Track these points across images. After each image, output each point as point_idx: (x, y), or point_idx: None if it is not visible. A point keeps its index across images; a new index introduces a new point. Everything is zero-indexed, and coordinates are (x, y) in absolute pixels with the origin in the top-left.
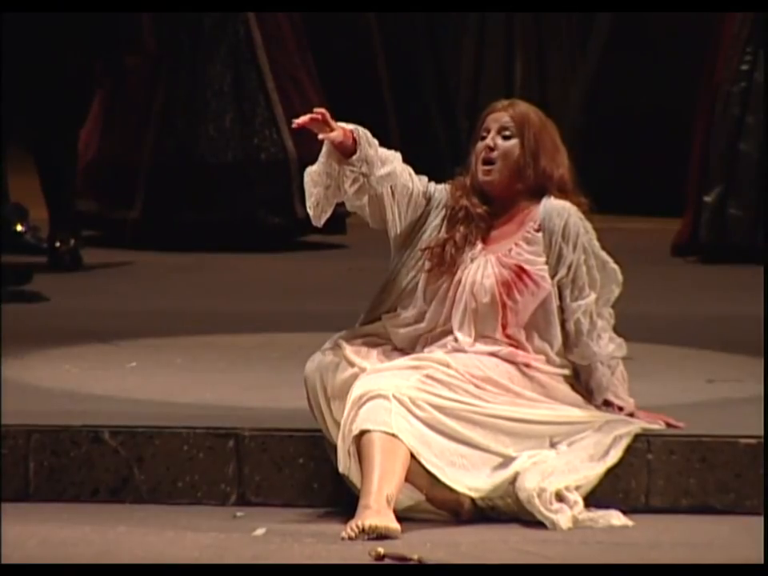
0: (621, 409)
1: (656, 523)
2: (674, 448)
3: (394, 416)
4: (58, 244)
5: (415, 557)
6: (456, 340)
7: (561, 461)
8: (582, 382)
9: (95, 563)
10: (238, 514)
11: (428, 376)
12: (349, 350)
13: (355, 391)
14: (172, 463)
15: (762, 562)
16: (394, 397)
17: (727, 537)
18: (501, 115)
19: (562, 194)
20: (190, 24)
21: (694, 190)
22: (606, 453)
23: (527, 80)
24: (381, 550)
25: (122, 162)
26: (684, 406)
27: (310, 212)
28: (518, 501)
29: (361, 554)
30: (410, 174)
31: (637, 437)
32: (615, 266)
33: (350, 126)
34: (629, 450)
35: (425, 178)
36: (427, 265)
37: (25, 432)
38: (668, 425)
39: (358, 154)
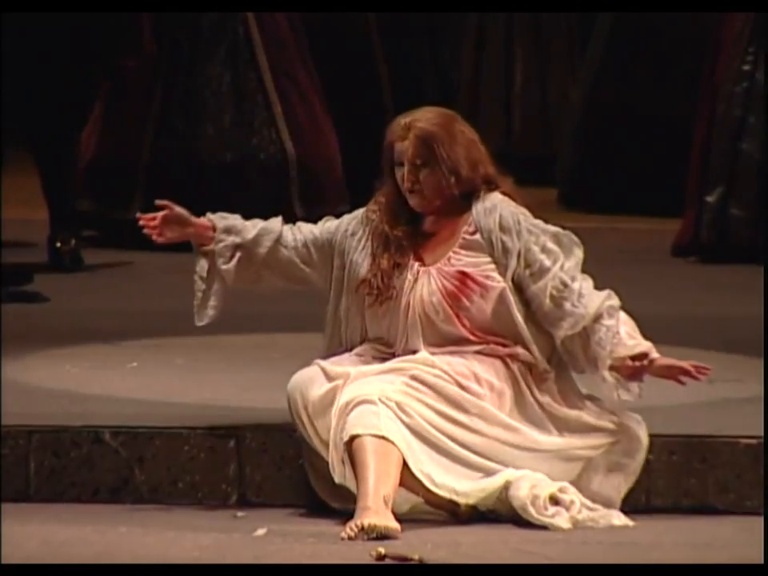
0: (640, 359)
1: (657, 523)
2: (674, 448)
3: (382, 419)
4: (58, 244)
5: (416, 557)
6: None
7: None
8: (589, 356)
9: (96, 563)
10: (239, 514)
11: (413, 377)
12: (324, 362)
13: (341, 399)
14: (173, 463)
15: (762, 562)
16: (381, 401)
17: (727, 537)
18: (405, 146)
19: (491, 186)
20: (188, 24)
21: (695, 190)
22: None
23: (527, 81)
24: (381, 550)
25: (120, 162)
26: (684, 406)
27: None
28: (513, 508)
29: (362, 554)
30: (295, 228)
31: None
32: (567, 232)
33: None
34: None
35: (320, 223)
36: (368, 300)
37: (25, 432)
38: (694, 369)
39: (217, 230)
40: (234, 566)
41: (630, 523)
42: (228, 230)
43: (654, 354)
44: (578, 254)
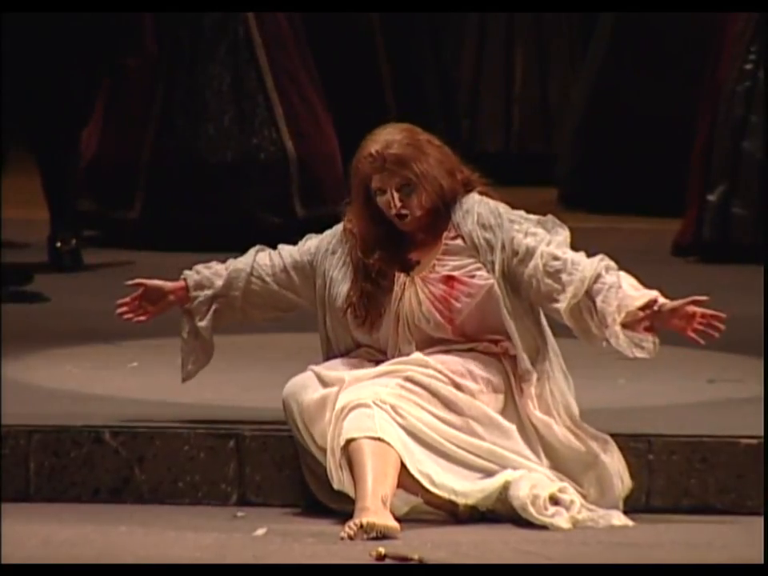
0: (650, 307)
1: (657, 523)
2: (674, 448)
3: (378, 421)
4: (58, 244)
5: (416, 557)
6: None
7: (543, 473)
8: (599, 319)
9: (96, 563)
10: (239, 514)
11: (407, 378)
12: (318, 368)
13: (336, 405)
14: (173, 463)
15: (762, 562)
16: (375, 404)
17: (727, 537)
18: (385, 177)
19: (468, 188)
20: (189, 24)
21: (696, 189)
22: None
23: (528, 80)
24: (381, 550)
25: (121, 161)
26: (684, 406)
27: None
28: (514, 509)
29: (361, 553)
30: (274, 253)
31: (637, 437)
32: (549, 216)
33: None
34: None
35: (301, 243)
36: (355, 322)
37: (26, 432)
38: (705, 318)
39: (189, 289)
40: (234, 566)
41: (630, 523)
42: (200, 286)
43: (662, 300)
44: (563, 233)
